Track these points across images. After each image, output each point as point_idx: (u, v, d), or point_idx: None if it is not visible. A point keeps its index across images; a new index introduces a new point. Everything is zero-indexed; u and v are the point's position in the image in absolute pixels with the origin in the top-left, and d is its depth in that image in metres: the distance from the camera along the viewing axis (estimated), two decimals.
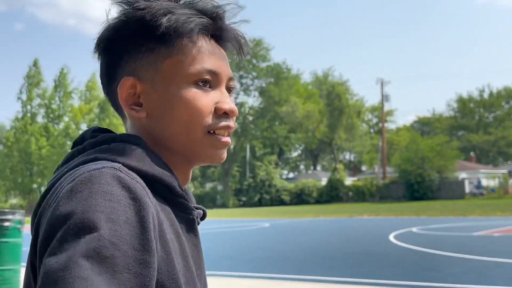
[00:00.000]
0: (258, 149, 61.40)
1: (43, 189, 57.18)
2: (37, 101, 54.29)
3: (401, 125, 77.98)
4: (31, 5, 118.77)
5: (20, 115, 54.08)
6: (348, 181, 55.08)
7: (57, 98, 54.58)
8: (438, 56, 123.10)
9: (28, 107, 54.07)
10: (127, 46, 0.86)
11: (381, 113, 59.01)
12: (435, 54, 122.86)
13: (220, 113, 0.87)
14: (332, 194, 51.01)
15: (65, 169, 0.79)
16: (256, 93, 62.60)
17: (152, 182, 0.77)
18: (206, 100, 0.86)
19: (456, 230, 16.56)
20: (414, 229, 17.26)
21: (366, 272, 8.49)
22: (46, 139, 51.70)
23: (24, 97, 53.94)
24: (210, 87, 0.87)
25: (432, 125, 77.23)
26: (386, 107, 61.55)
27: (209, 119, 0.86)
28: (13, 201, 64.69)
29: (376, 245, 12.86)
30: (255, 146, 61.95)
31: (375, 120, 76.36)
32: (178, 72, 0.85)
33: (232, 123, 0.89)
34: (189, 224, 0.84)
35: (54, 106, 54.49)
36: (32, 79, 53.65)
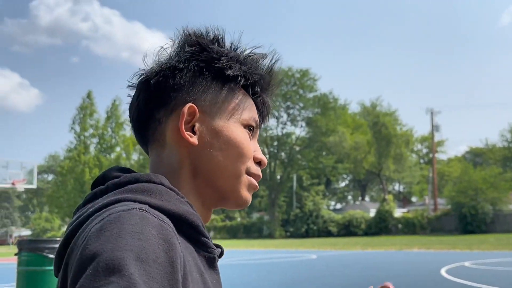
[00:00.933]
0: (305, 179, 61.03)
1: None
2: (90, 131, 55.88)
3: (452, 156, 76.20)
4: (87, 39, 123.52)
5: (73, 145, 55.72)
6: (398, 212, 53.88)
7: (109, 129, 56.07)
8: (490, 85, 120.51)
9: (82, 137, 55.69)
10: (194, 78, 0.92)
11: (431, 143, 57.89)
12: (487, 83, 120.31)
13: (256, 161, 0.96)
14: (381, 226, 49.99)
15: (90, 210, 0.78)
16: (303, 124, 62.59)
17: (177, 221, 0.79)
18: (250, 145, 0.95)
19: (511, 265, 15.93)
20: (467, 264, 16.71)
21: None
22: (98, 169, 53.00)
23: (77, 127, 55.64)
24: (251, 134, 0.96)
25: (485, 156, 75.05)
26: (437, 137, 60.41)
27: (250, 162, 0.94)
28: (64, 228, 66.40)
29: (427, 280, 12.50)
30: (302, 176, 61.62)
31: (425, 151, 74.94)
32: (236, 113, 0.93)
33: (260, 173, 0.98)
34: (210, 262, 0.85)
35: (106, 137, 55.97)
36: (85, 110, 55.37)
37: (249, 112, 0.95)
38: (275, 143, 62.22)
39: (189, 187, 0.91)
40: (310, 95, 60.71)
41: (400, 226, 49.98)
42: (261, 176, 0.97)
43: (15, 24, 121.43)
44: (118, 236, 0.67)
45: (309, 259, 21.69)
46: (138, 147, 53.84)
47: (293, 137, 62.96)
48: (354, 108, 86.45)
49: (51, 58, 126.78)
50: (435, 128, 56.17)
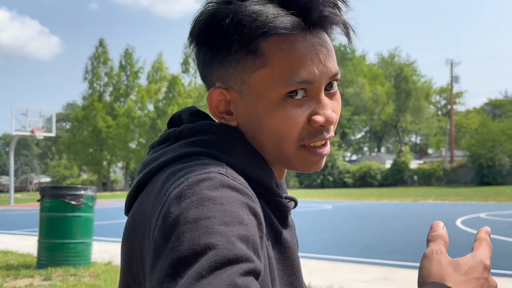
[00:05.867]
0: None
1: (112, 165, 57.93)
2: (104, 80, 55.82)
3: (471, 108, 75.25)
4: None
5: (88, 93, 55.81)
6: (414, 164, 53.87)
7: (124, 77, 55.90)
8: (511, 36, 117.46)
9: (95, 85, 55.69)
10: (214, 51, 0.82)
11: (449, 95, 57.16)
12: (508, 34, 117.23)
13: (315, 126, 0.80)
14: (396, 177, 50.10)
15: (165, 157, 0.79)
16: None
17: (250, 179, 0.77)
18: (297, 114, 0.79)
19: None
20: (482, 215, 16.74)
21: None
22: (111, 117, 53.20)
23: (91, 76, 55.60)
24: (304, 96, 0.80)
25: (504, 107, 74.09)
26: (456, 88, 59.63)
27: (302, 134, 0.81)
28: (84, 176, 67.43)
29: None
30: None
31: (443, 102, 74.06)
32: (266, 87, 0.79)
33: (329, 134, 0.83)
34: (283, 220, 0.85)
35: (120, 85, 55.85)
36: (99, 58, 55.20)
37: (288, 76, 0.78)
38: None
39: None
40: None
41: (415, 177, 50.03)
42: (327, 138, 0.83)
43: None
44: (199, 203, 0.65)
45: (325, 209, 21.89)
46: (154, 97, 53.72)
47: None
48: (371, 58, 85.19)
49: (70, 4, 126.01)
50: (454, 79, 55.37)
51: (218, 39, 0.80)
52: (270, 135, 0.80)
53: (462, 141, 52.89)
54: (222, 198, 0.66)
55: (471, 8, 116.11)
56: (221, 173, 0.70)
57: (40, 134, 31.20)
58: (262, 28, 0.76)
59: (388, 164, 54.43)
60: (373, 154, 73.18)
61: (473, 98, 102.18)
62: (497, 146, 43.52)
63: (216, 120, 0.86)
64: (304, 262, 8.19)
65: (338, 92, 0.85)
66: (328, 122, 0.80)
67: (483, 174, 43.67)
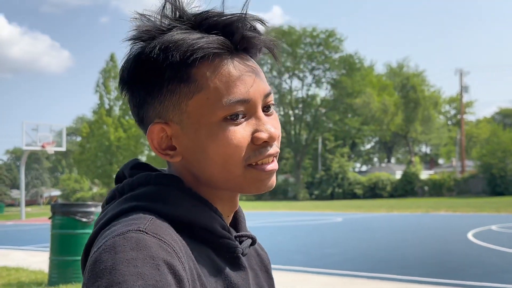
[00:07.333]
0: (329, 142, 60.78)
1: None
2: (114, 94, 56.17)
3: (481, 117, 74.87)
4: None
5: (98, 108, 56.18)
6: (424, 174, 53.56)
7: None
8: None
9: (105, 99, 56.03)
10: (147, 88, 0.81)
11: (459, 104, 56.94)
12: None
13: (259, 143, 0.81)
14: (407, 188, 49.81)
15: (105, 217, 0.78)
16: (328, 85, 61.88)
17: (191, 226, 0.77)
18: (240, 134, 0.79)
19: None
20: (494, 227, 16.59)
21: (443, 272, 8.26)
22: (122, 130, 53.51)
23: (102, 89, 56.00)
24: (244, 116, 0.81)
25: None
26: (465, 98, 59.38)
27: (247, 153, 0.80)
28: (94, 190, 67.69)
29: (454, 243, 12.47)
30: (327, 139, 61.35)
31: (453, 112, 73.72)
32: (205, 112, 0.79)
33: (274, 149, 0.82)
34: (234, 261, 0.83)
35: None
36: (109, 72, 55.60)
37: (224, 97, 0.79)
38: (300, 105, 61.90)
39: (196, 189, 0.84)
40: (336, 56, 59.90)
41: (426, 188, 49.71)
42: (273, 154, 0.82)
43: None
44: (112, 268, 0.65)
45: (335, 222, 21.80)
46: None
47: (318, 99, 62.46)
48: (379, 69, 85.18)
49: (80, 19, 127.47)
50: (464, 89, 55.18)
51: (149, 75, 0.80)
52: (216, 161, 0.79)
53: (473, 151, 52.61)
54: (136, 260, 0.65)
55: (481, 17, 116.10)
56: (139, 230, 0.69)
57: (50, 149, 31.36)
58: (189, 52, 0.77)
59: (398, 175, 54.15)
60: (383, 164, 72.88)
61: (483, 108, 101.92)
62: (508, 156, 43.24)
63: (161, 157, 0.84)
64: (315, 278, 8.16)
65: (275, 113, 0.86)
66: (271, 137, 0.81)
67: (495, 184, 43.35)
